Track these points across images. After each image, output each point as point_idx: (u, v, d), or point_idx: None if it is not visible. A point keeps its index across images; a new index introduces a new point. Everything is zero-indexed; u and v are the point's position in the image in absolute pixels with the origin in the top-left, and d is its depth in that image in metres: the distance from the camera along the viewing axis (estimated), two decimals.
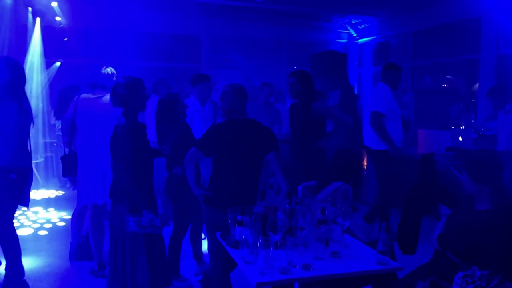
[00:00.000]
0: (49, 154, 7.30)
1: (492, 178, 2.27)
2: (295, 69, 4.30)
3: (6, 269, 3.34)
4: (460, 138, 4.91)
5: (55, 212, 5.86)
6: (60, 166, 4.15)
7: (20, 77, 3.25)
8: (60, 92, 4.57)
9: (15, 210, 3.39)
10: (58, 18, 7.30)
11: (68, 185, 7.13)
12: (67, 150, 3.96)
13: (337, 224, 2.35)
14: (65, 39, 7.95)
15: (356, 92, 9.00)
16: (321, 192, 2.94)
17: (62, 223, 5.42)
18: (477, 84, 7.12)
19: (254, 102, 5.81)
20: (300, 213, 2.37)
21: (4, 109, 3.12)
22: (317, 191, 2.98)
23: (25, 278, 3.42)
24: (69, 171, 3.85)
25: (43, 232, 5.08)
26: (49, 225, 5.35)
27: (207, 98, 4.88)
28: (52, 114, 6.01)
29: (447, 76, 8.48)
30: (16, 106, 3.15)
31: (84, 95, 3.76)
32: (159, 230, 2.92)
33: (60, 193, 7.01)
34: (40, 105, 6.86)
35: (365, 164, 6.64)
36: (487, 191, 2.26)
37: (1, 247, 3.28)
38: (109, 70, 3.78)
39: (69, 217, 5.31)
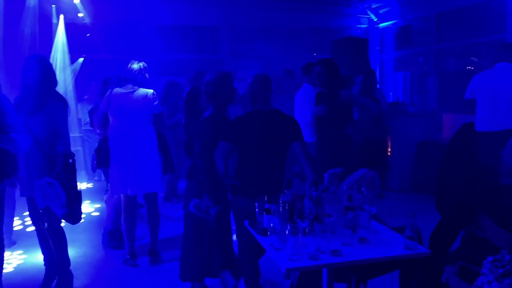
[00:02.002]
0: (77, 148, 7.50)
1: None
2: (318, 57, 4.27)
3: (55, 258, 3.44)
4: None
5: (85, 204, 6.04)
6: (89, 159, 4.31)
7: (52, 73, 3.32)
8: (103, 82, 4.71)
9: None
10: (80, 15, 7.45)
11: (96, 178, 7.34)
12: (100, 143, 4.07)
13: (364, 211, 2.37)
14: (88, 34, 8.10)
15: (378, 78, 8.88)
16: (346, 179, 2.96)
17: (94, 214, 5.59)
18: None
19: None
20: (326, 200, 2.40)
21: (55, 105, 3.21)
22: (343, 178, 3.00)
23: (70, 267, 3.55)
24: (103, 163, 3.98)
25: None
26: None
27: None
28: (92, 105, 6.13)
29: (472, 58, 8.28)
30: (62, 102, 3.28)
31: (117, 90, 3.86)
32: (211, 218, 3.10)
33: (89, 185, 7.21)
34: (72, 102, 7.05)
35: (389, 151, 6.60)
36: None
37: (51, 237, 3.37)
38: (141, 64, 3.86)
39: (97, 213, 5.53)
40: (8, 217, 3.90)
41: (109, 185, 4.19)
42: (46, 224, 3.31)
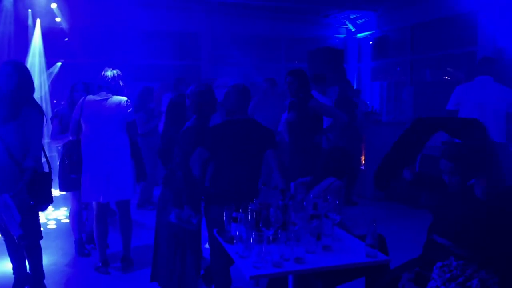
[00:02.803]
0: (52, 154, 7.39)
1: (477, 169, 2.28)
2: (293, 67, 4.42)
3: (28, 270, 3.41)
4: None
5: (58, 211, 5.96)
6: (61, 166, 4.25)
7: (29, 80, 3.25)
8: (70, 88, 4.69)
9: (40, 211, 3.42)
10: (58, 19, 7.40)
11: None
12: (73, 150, 4.03)
13: (329, 219, 2.43)
14: (66, 39, 8.04)
15: (355, 87, 9.05)
16: (314, 188, 3.02)
17: (66, 221, 5.51)
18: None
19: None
20: (292, 209, 2.46)
21: (29, 114, 3.14)
22: (311, 187, 3.07)
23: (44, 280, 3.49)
24: (75, 169, 3.95)
25: (46, 231, 5.19)
26: (52, 224, 5.46)
27: None
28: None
29: (447, 68, 8.53)
30: (39, 112, 3.21)
31: (90, 97, 3.84)
32: (194, 227, 3.14)
33: (62, 192, 7.09)
34: (49, 108, 6.97)
35: (363, 159, 6.72)
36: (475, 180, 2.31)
37: (26, 249, 3.31)
38: (115, 72, 3.85)
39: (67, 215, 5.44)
40: None
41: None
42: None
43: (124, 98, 3.84)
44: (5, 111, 3.12)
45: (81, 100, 3.88)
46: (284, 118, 5.39)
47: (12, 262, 3.44)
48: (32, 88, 3.28)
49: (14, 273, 3.45)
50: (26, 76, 3.22)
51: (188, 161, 3.03)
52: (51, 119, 4.61)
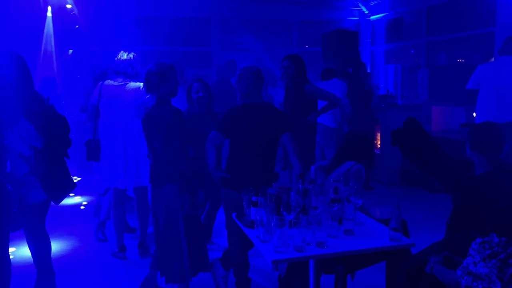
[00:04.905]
0: None
1: (492, 149, 2.39)
2: (310, 50, 4.42)
3: (36, 268, 3.12)
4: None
5: (73, 196, 6.00)
6: (76, 153, 4.25)
7: (27, 71, 2.84)
8: (94, 80, 4.68)
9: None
10: (69, 6, 7.37)
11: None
12: (91, 135, 4.03)
13: (350, 203, 2.39)
14: (77, 26, 8.01)
15: (368, 70, 8.90)
16: (334, 172, 2.98)
17: (81, 207, 5.56)
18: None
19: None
20: (313, 193, 2.42)
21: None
22: (330, 171, 3.02)
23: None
24: (93, 155, 3.95)
25: (65, 216, 5.20)
26: (70, 209, 5.49)
27: None
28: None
29: (462, 51, 8.32)
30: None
31: (108, 82, 3.82)
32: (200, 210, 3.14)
33: (76, 179, 7.14)
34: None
35: (378, 143, 6.64)
36: (486, 160, 2.39)
37: (34, 249, 3.06)
38: (131, 55, 3.80)
39: (86, 202, 5.49)
40: None
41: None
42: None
43: (142, 84, 3.80)
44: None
45: (99, 84, 3.86)
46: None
47: (32, 255, 3.14)
48: (30, 76, 2.84)
49: (35, 266, 3.15)
50: (22, 64, 2.78)
51: (175, 147, 2.94)
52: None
